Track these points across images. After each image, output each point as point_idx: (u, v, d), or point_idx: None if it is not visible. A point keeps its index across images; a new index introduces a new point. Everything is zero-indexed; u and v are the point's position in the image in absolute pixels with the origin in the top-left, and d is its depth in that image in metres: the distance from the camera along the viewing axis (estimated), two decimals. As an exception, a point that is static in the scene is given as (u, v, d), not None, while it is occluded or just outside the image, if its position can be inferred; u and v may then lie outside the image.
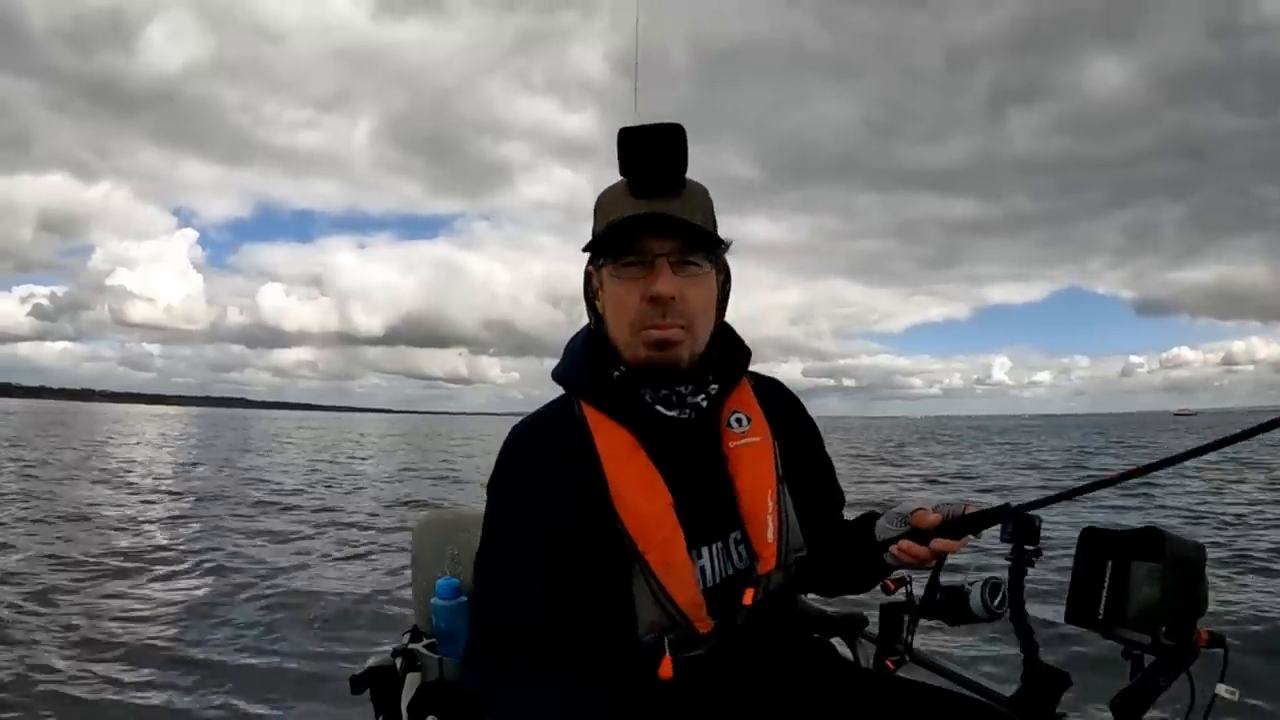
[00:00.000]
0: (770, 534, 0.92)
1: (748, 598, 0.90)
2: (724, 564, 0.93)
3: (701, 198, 0.93)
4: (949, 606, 0.87)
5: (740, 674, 0.90)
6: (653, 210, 0.87)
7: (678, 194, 0.90)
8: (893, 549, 0.90)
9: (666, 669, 0.86)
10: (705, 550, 0.92)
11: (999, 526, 0.86)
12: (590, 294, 0.99)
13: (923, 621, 0.91)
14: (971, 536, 0.86)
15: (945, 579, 0.89)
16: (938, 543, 0.86)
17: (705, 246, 0.91)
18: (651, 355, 0.91)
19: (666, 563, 0.87)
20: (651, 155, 0.88)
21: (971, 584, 0.86)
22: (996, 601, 0.84)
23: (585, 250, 0.95)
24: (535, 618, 0.87)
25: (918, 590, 0.90)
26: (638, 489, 0.89)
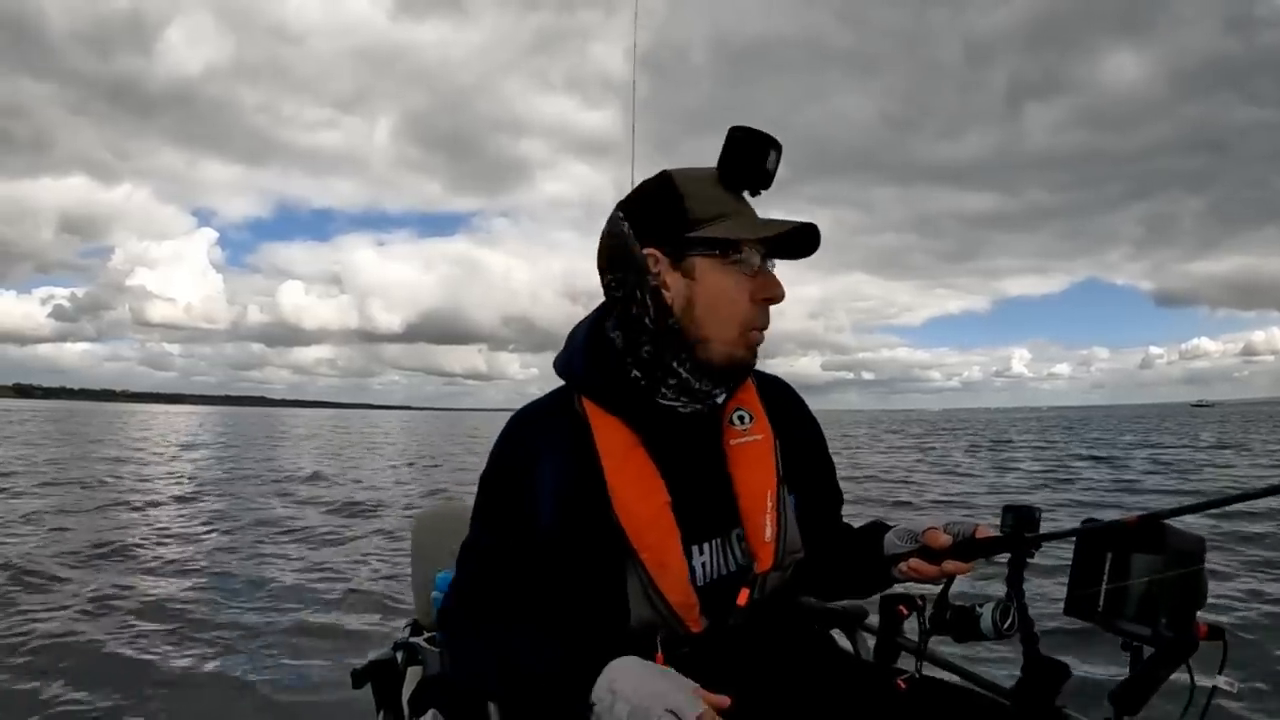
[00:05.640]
0: (768, 533, 0.92)
1: (742, 598, 0.89)
2: (723, 561, 0.92)
3: None
4: (958, 625, 0.88)
5: (731, 670, 0.89)
6: (788, 221, 0.89)
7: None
8: (902, 565, 0.90)
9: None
10: (703, 547, 0.91)
11: (999, 517, 0.87)
12: (650, 281, 0.89)
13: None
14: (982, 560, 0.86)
15: (953, 593, 0.89)
16: (948, 564, 0.86)
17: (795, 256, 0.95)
18: (748, 357, 0.92)
19: (660, 563, 0.86)
20: (769, 163, 0.90)
21: (982, 606, 0.87)
22: (1007, 624, 0.85)
23: (757, 242, 0.89)
24: (482, 611, 0.89)
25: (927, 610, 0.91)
26: (634, 487, 0.88)
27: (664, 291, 0.89)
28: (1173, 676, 0.80)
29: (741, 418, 0.97)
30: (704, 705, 0.72)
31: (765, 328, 0.92)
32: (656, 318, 0.89)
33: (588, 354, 0.95)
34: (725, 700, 0.73)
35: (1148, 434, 28.38)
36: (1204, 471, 13.31)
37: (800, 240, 0.91)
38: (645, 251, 0.89)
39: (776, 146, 0.90)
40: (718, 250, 0.88)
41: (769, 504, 0.93)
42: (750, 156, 0.89)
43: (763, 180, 0.91)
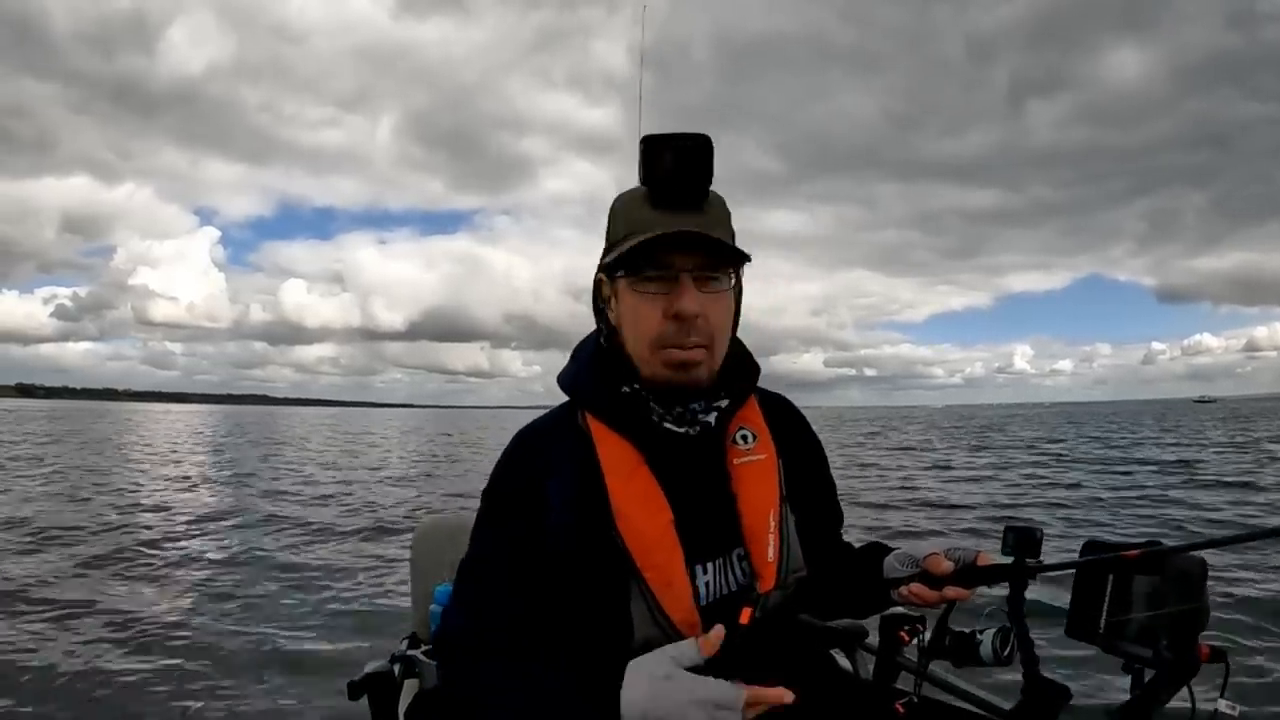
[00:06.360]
0: (771, 553, 0.91)
1: (744, 617, 0.89)
2: (725, 581, 0.92)
3: (721, 211, 0.91)
4: (958, 651, 0.88)
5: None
6: (680, 228, 0.84)
7: (700, 208, 0.87)
8: (902, 590, 0.89)
9: None
10: (707, 566, 0.91)
11: (1001, 538, 0.87)
12: (600, 303, 0.95)
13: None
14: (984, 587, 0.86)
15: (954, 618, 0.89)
16: (949, 590, 0.86)
17: (729, 263, 0.89)
18: (672, 376, 0.89)
19: (665, 582, 0.86)
20: (679, 167, 0.85)
21: (982, 632, 0.87)
22: (1007, 651, 0.85)
23: (607, 264, 0.90)
24: (501, 634, 0.87)
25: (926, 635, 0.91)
26: (639, 506, 0.88)
27: (608, 313, 0.93)
28: (1174, 699, 0.79)
29: (745, 437, 0.96)
30: (744, 691, 0.73)
31: (684, 344, 0.88)
32: (607, 340, 0.94)
33: (592, 371, 0.95)
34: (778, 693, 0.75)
35: (1149, 431, 28.38)
36: (1206, 470, 13.29)
37: (726, 249, 0.87)
38: (598, 275, 0.94)
39: (694, 151, 0.84)
40: (624, 270, 0.88)
41: (772, 524, 0.92)
42: (658, 168, 0.85)
43: (682, 190, 0.86)
